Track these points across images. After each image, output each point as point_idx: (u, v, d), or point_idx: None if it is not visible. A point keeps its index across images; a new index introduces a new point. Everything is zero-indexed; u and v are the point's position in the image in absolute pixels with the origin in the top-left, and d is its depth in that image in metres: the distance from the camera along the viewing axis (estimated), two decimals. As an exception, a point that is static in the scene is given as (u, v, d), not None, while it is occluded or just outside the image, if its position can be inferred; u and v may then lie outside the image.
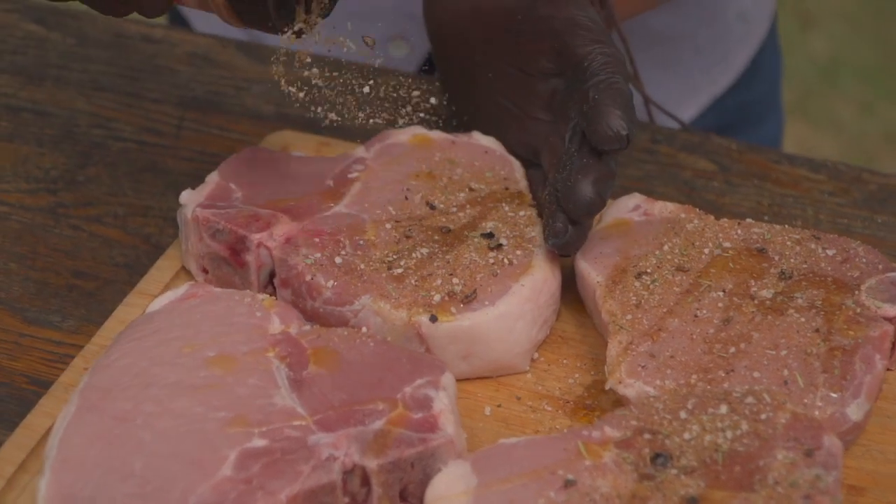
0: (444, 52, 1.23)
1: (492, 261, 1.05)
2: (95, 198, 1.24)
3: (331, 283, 1.03)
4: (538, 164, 1.14)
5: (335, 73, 1.14)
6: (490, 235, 1.07)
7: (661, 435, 0.93)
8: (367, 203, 1.10)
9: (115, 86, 1.37)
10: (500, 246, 1.06)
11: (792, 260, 1.07)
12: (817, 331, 1.01)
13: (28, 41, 1.43)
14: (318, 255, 1.05)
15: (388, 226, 1.08)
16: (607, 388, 1.00)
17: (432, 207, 1.10)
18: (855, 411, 0.98)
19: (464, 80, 1.21)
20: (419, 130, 1.18)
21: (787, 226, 1.11)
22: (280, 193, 1.11)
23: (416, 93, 1.22)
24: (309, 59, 1.08)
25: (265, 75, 1.38)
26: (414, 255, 1.05)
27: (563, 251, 1.06)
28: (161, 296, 1.05)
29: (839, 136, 3.29)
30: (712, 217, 1.12)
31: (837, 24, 3.50)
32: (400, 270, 1.04)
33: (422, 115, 1.28)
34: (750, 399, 0.95)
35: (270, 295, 1.06)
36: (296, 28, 1.02)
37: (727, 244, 1.09)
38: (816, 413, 0.97)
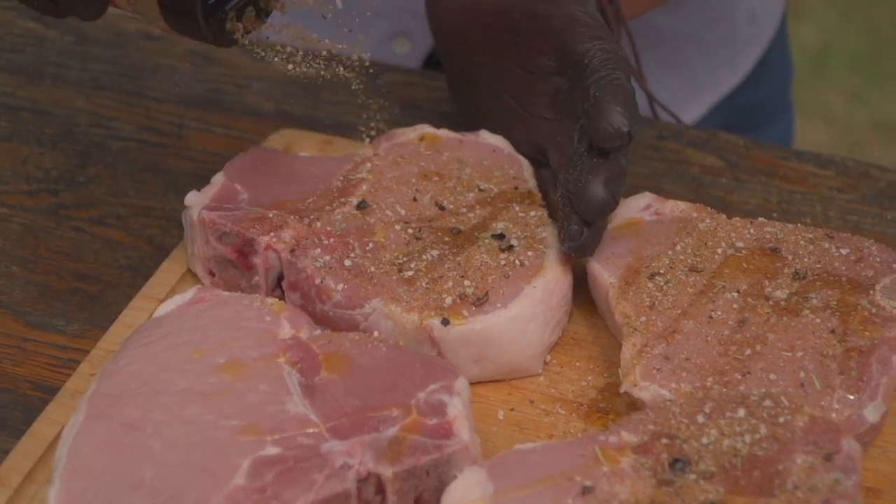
0: (447, 51, 1.21)
1: (503, 262, 1.04)
2: (97, 198, 1.22)
3: (341, 286, 1.02)
4: (545, 164, 1.13)
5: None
6: (501, 236, 1.06)
7: (679, 439, 0.92)
8: (375, 204, 1.08)
9: (115, 84, 1.36)
10: (511, 247, 1.05)
11: (806, 259, 1.06)
12: (833, 332, 1.00)
13: (26, 39, 1.41)
14: (328, 257, 1.03)
15: (397, 227, 1.06)
16: (622, 391, 0.99)
17: (442, 208, 1.09)
18: (872, 413, 0.97)
19: (468, 78, 1.19)
20: (426, 129, 1.16)
21: (799, 224, 1.10)
22: (287, 194, 1.09)
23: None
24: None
25: (266, 72, 1.37)
26: (424, 257, 1.04)
27: (580, 253, 1.05)
28: (168, 300, 1.03)
29: (828, 125, 3.28)
30: (724, 216, 1.11)
31: (826, 13, 3.50)
32: (411, 273, 1.03)
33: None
34: (767, 402, 0.94)
35: (278, 298, 1.05)
36: (230, 37, 1.01)
37: (740, 244, 1.07)
38: (833, 415, 0.96)
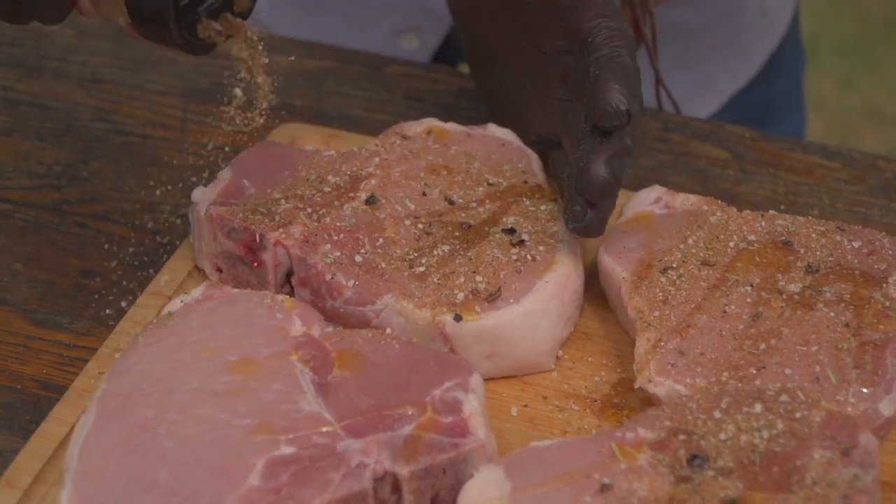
0: (466, 32, 1.19)
1: (514, 257, 1.03)
2: (100, 194, 1.21)
3: (352, 282, 1.01)
4: (561, 145, 1.11)
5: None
6: (512, 231, 1.05)
7: (696, 435, 0.91)
8: (384, 199, 1.07)
9: (116, 78, 1.34)
10: (522, 242, 1.04)
11: (818, 253, 1.06)
12: (847, 325, 1.00)
13: (25, 33, 1.39)
14: (338, 253, 1.02)
15: (407, 222, 1.05)
16: (636, 386, 0.98)
17: (451, 202, 1.08)
18: (887, 407, 0.96)
19: (487, 62, 1.17)
20: (434, 122, 1.15)
21: (809, 217, 1.09)
22: (295, 189, 1.08)
23: None
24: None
25: (268, 65, 1.35)
26: (435, 252, 1.03)
27: (584, 234, 1.03)
28: (177, 297, 1.02)
29: (819, 113, 3.28)
30: (734, 209, 1.10)
31: (816, 1, 3.49)
32: (422, 268, 1.02)
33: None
34: (784, 397, 0.93)
35: (287, 295, 1.04)
36: (204, 43, 1.00)
37: (752, 237, 1.07)
38: (849, 409, 0.95)
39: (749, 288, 1.03)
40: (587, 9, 1.05)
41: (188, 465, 0.89)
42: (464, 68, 1.40)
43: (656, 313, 1.01)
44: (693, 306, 1.01)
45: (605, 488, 0.88)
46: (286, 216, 1.05)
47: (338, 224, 1.05)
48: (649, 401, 0.99)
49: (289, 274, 1.05)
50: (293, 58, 1.34)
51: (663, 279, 1.03)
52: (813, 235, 1.07)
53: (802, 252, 1.06)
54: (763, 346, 0.99)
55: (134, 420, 0.92)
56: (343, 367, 0.95)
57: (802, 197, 1.24)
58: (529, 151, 1.14)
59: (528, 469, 0.90)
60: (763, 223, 1.08)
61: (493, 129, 1.15)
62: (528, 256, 1.03)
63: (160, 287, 1.08)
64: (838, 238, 1.07)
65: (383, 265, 1.02)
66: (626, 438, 0.91)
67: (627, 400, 1.01)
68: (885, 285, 1.03)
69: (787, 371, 0.97)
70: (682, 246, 1.06)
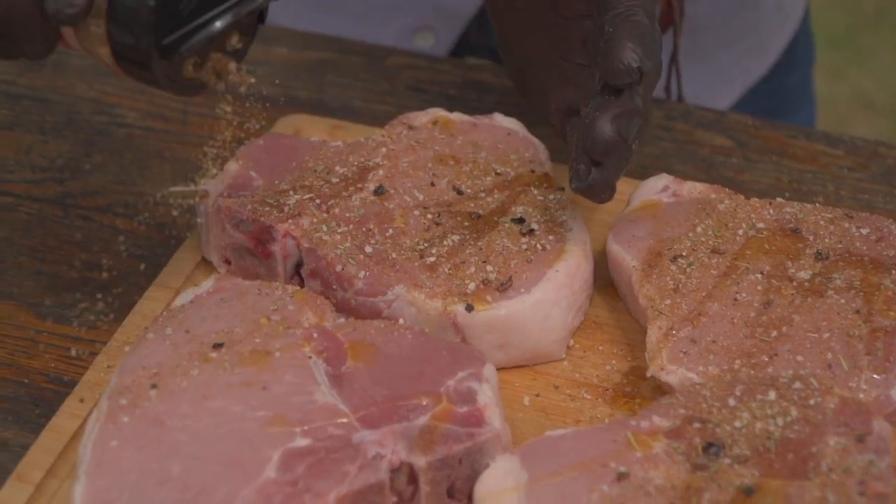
0: (491, 5, 1.17)
1: (524, 247, 1.03)
2: (103, 187, 1.21)
3: (362, 273, 1.00)
4: (580, 114, 1.08)
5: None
6: (521, 220, 1.04)
7: (711, 423, 0.91)
8: (392, 189, 1.07)
9: (116, 70, 1.33)
10: (531, 231, 1.04)
11: (827, 240, 1.06)
12: (858, 312, 1.00)
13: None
14: (347, 244, 1.02)
15: (416, 212, 1.05)
16: (649, 375, 0.98)
17: (459, 192, 1.07)
18: (900, 393, 0.96)
19: (512, 33, 1.14)
20: (440, 112, 1.15)
21: (816, 204, 1.09)
22: (303, 181, 1.08)
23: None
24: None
25: (270, 57, 1.35)
26: (445, 242, 1.03)
27: (587, 195, 1.00)
28: (187, 290, 1.01)
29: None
30: (742, 197, 1.10)
31: (806, -10, 3.49)
32: (432, 259, 1.01)
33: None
34: (797, 384, 0.93)
35: (297, 286, 1.03)
36: (194, 83, 0.97)
37: (761, 224, 1.07)
38: (861, 396, 0.95)
39: (759, 275, 1.02)
40: None
41: (202, 458, 0.88)
42: (470, 62, 1.39)
43: (667, 302, 1.01)
44: (704, 294, 1.01)
45: (621, 476, 0.88)
46: (295, 207, 1.04)
47: (347, 215, 1.04)
48: (661, 389, 0.99)
49: (298, 265, 1.04)
50: (287, 50, 1.34)
51: (673, 267, 1.03)
52: (821, 223, 1.07)
53: (811, 239, 1.06)
54: (775, 333, 0.99)
55: (146, 413, 0.91)
56: (356, 358, 0.94)
57: (807, 184, 1.24)
58: (536, 140, 1.13)
59: (543, 458, 0.90)
60: (771, 211, 1.08)
61: (499, 119, 1.15)
62: (538, 246, 1.03)
63: (168, 280, 1.07)
64: (846, 225, 1.07)
65: (394, 255, 1.01)
66: (641, 427, 0.91)
67: (639, 388, 1.01)
68: (894, 272, 1.03)
69: (799, 358, 0.97)
70: (690, 234, 1.06)
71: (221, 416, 0.90)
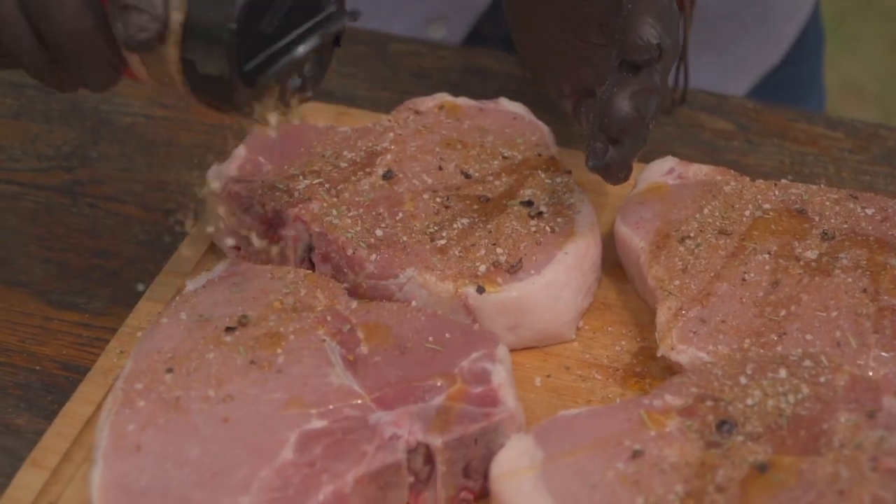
0: None
1: (534, 229, 1.03)
2: (110, 175, 1.21)
3: (373, 256, 1.01)
4: (596, 94, 1.07)
5: None
6: (529, 203, 1.05)
7: (724, 401, 0.91)
8: (401, 173, 1.07)
9: (120, 59, 1.34)
10: (540, 214, 1.04)
11: (832, 220, 1.06)
12: (864, 291, 1.01)
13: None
14: (358, 227, 1.03)
15: (425, 196, 1.06)
16: (659, 354, 0.99)
17: (468, 176, 1.08)
18: (908, 370, 0.97)
19: (525, 14, 1.13)
20: (445, 97, 1.15)
21: (821, 185, 1.10)
22: (311, 166, 1.08)
23: None
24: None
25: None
26: (455, 225, 1.03)
27: (605, 174, 0.99)
28: (199, 275, 1.02)
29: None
30: (747, 178, 1.11)
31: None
32: (443, 241, 1.02)
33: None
34: (808, 362, 0.94)
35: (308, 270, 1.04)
36: (270, 118, 0.90)
37: (767, 205, 1.07)
38: (870, 373, 0.96)
39: (767, 255, 1.03)
40: None
41: (220, 440, 0.89)
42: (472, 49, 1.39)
43: (676, 282, 1.02)
44: (712, 274, 1.02)
45: (636, 454, 0.88)
46: (305, 192, 1.05)
47: (356, 199, 1.05)
48: (671, 369, 1.00)
49: (308, 249, 1.05)
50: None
51: (681, 248, 1.04)
52: (827, 203, 1.08)
53: (817, 220, 1.06)
54: (783, 312, 0.99)
55: (162, 397, 0.92)
56: (370, 340, 0.95)
57: (808, 167, 1.25)
58: (541, 125, 1.14)
59: (558, 437, 0.90)
60: (777, 192, 1.09)
61: (505, 104, 1.15)
62: (547, 228, 1.03)
63: (178, 266, 1.08)
64: (851, 206, 1.08)
65: (404, 239, 1.02)
66: (654, 405, 0.92)
67: (649, 368, 1.02)
68: (900, 251, 1.04)
69: (808, 337, 0.98)
70: (697, 215, 1.06)
71: (238, 399, 0.91)
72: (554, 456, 0.89)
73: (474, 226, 1.03)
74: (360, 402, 0.90)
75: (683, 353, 0.98)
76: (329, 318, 0.96)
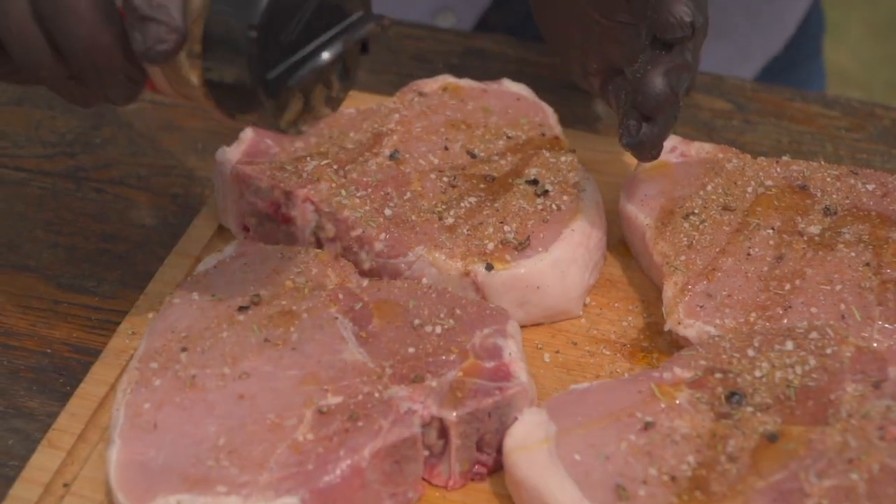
0: None
1: (540, 207, 1.04)
2: (115, 159, 1.21)
3: (383, 235, 1.02)
4: (621, 72, 1.08)
5: None
6: (535, 182, 1.06)
7: (732, 373, 0.93)
8: (407, 154, 1.08)
9: (121, 45, 1.34)
10: (546, 192, 1.05)
11: (834, 196, 1.08)
12: (867, 265, 1.02)
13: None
14: (367, 207, 1.04)
15: (432, 176, 1.07)
16: (666, 329, 1.00)
17: (473, 156, 1.09)
18: (912, 342, 0.99)
19: None
20: (449, 79, 1.16)
21: (822, 162, 1.11)
22: (319, 147, 1.09)
23: None
24: None
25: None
26: (462, 204, 1.04)
27: (637, 151, 1.00)
28: (209, 256, 1.03)
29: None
30: (749, 156, 1.12)
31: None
32: (451, 220, 1.03)
33: None
34: (814, 334, 0.95)
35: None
36: (297, 126, 0.87)
37: (769, 182, 1.09)
38: (875, 345, 0.98)
39: (771, 231, 1.05)
40: None
41: (237, 417, 0.90)
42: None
43: (682, 258, 1.03)
44: (718, 250, 1.03)
45: (647, 426, 0.90)
46: (313, 173, 1.05)
47: (364, 179, 1.06)
48: (677, 344, 1.01)
49: (317, 230, 1.05)
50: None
51: (686, 224, 1.05)
52: (828, 179, 1.09)
53: (819, 195, 1.08)
54: (788, 286, 1.01)
55: (178, 376, 0.93)
56: (382, 317, 0.96)
57: (806, 145, 1.27)
58: (545, 105, 1.15)
59: (570, 411, 0.91)
60: (778, 169, 1.10)
61: (508, 85, 1.16)
62: (553, 206, 1.04)
63: (187, 247, 1.09)
64: (852, 181, 1.09)
65: (413, 218, 1.03)
66: (664, 378, 0.93)
67: (656, 343, 1.03)
68: (901, 225, 1.05)
69: (813, 310, 0.99)
70: (701, 192, 1.08)
71: (253, 377, 0.92)
72: (567, 429, 0.90)
73: (482, 204, 1.04)
74: (374, 377, 0.91)
75: (690, 328, 0.99)
76: (341, 296, 0.97)
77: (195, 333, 0.95)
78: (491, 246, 1.01)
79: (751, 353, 0.94)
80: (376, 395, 0.90)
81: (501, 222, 1.03)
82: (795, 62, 1.55)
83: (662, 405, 0.91)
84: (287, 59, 0.83)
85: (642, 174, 1.11)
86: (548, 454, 0.88)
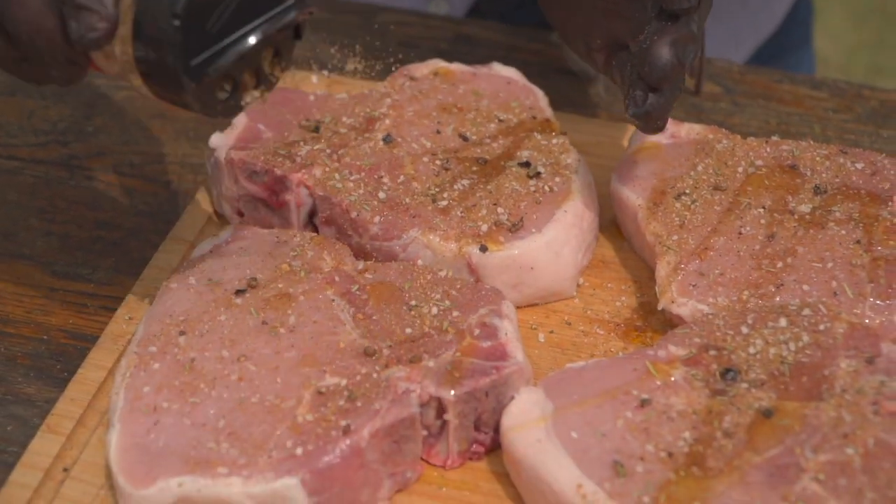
0: None
1: (533, 189, 1.05)
2: (107, 148, 1.22)
3: (377, 218, 1.02)
4: (625, 48, 1.06)
5: None
6: (527, 164, 1.07)
7: (727, 350, 0.93)
8: (400, 138, 1.09)
9: (112, 33, 1.34)
10: (538, 174, 1.06)
11: (824, 175, 1.09)
12: (858, 242, 1.03)
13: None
14: (361, 191, 1.04)
15: (425, 159, 1.07)
16: (660, 308, 1.01)
17: (465, 139, 1.10)
18: (902, 318, 0.99)
19: None
20: (440, 63, 1.17)
21: (811, 141, 1.12)
22: (311, 132, 1.09)
23: None
24: None
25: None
26: (455, 186, 1.05)
27: (644, 122, 1.01)
28: (205, 241, 1.03)
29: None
30: (739, 136, 1.13)
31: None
32: (445, 203, 1.03)
33: None
34: (806, 311, 0.96)
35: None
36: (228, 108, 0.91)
37: (759, 162, 1.09)
38: (867, 322, 0.98)
39: (762, 210, 1.05)
40: None
41: (236, 399, 0.90)
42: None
43: (674, 237, 1.04)
44: (709, 229, 1.04)
45: (644, 403, 0.90)
46: (307, 157, 1.06)
47: (358, 163, 1.06)
48: (670, 323, 1.02)
49: (311, 214, 1.06)
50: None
51: (678, 204, 1.06)
52: (817, 159, 1.10)
53: (809, 174, 1.09)
54: (780, 264, 1.01)
55: (177, 359, 0.93)
56: (378, 298, 0.96)
57: (794, 126, 1.27)
58: (535, 88, 1.16)
59: (567, 389, 0.92)
60: (768, 149, 1.11)
61: (498, 69, 1.17)
62: (546, 188, 1.05)
63: (181, 233, 1.09)
64: (841, 160, 1.10)
65: (407, 201, 1.03)
66: (659, 356, 0.94)
67: (649, 322, 1.04)
68: (890, 203, 1.06)
69: (805, 287, 1.00)
70: (692, 173, 1.08)
71: (251, 359, 0.92)
72: (563, 407, 0.91)
73: (475, 187, 1.05)
74: (372, 358, 0.92)
75: (684, 306, 1.00)
76: (337, 278, 0.98)
77: (193, 317, 0.95)
78: (485, 228, 1.02)
79: (744, 330, 0.95)
80: (374, 375, 0.91)
81: (495, 204, 1.03)
82: (785, 49, 1.55)
83: (658, 382, 0.92)
84: (213, 46, 0.88)
85: (633, 155, 1.11)
86: (545, 432, 0.89)
